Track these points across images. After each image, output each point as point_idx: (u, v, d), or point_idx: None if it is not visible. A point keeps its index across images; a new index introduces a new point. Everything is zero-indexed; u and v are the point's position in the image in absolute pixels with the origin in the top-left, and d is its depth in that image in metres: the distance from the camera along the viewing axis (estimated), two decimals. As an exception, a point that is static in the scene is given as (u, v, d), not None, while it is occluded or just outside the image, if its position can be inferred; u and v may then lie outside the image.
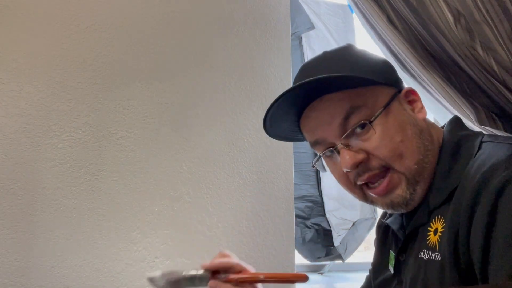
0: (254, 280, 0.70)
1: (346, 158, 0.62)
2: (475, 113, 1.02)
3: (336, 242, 1.50)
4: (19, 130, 1.08)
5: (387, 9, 1.08)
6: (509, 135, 1.03)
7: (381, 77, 0.65)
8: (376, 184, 0.63)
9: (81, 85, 1.14)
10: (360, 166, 0.62)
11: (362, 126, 0.62)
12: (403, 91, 0.67)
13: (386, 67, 0.69)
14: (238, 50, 1.30)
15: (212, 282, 0.69)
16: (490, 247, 0.49)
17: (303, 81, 0.61)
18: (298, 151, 1.46)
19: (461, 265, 0.53)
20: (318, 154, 0.70)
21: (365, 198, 0.67)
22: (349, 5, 1.69)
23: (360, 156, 0.62)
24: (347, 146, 0.63)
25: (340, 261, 1.52)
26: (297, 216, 1.47)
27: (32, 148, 1.08)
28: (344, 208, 1.58)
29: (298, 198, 1.52)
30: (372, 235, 1.63)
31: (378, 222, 0.84)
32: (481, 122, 1.02)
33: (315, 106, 0.65)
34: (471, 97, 1.06)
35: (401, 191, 0.62)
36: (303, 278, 0.68)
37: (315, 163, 0.71)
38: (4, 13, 1.11)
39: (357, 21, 1.47)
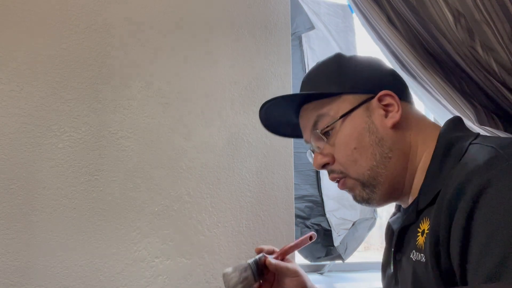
0: (289, 249, 0.84)
1: (314, 160, 0.72)
2: (475, 113, 1.02)
3: (336, 242, 1.50)
4: (19, 130, 1.08)
5: (387, 9, 1.08)
6: (509, 135, 1.03)
7: (348, 85, 0.70)
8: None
9: (81, 85, 1.14)
10: (326, 167, 0.71)
11: (326, 133, 0.70)
12: (376, 97, 0.69)
13: (364, 72, 0.72)
14: (238, 50, 1.30)
15: (268, 260, 0.80)
16: (468, 252, 0.50)
17: (279, 96, 0.74)
18: (298, 151, 1.46)
19: (442, 267, 0.54)
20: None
21: None
22: (349, 5, 1.69)
23: (325, 159, 0.71)
24: (318, 148, 0.72)
25: (340, 261, 1.52)
26: (297, 216, 1.47)
27: (32, 148, 1.08)
28: (344, 208, 1.57)
29: (298, 198, 1.52)
30: (372, 235, 1.63)
31: (387, 224, 0.85)
32: (481, 122, 1.02)
33: (300, 114, 0.76)
34: (471, 97, 1.06)
35: (358, 192, 0.70)
36: (314, 236, 0.87)
37: (309, 156, 0.81)
38: (4, 13, 1.11)
39: (357, 21, 1.47)
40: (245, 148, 1.26)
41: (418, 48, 1.07)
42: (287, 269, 0.80)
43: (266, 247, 0.84)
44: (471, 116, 1.03)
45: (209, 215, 1.19)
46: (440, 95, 1.07)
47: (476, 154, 0.56)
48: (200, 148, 1.21)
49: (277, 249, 0.85)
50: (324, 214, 1.55)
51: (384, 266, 0.80)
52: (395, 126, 0.68)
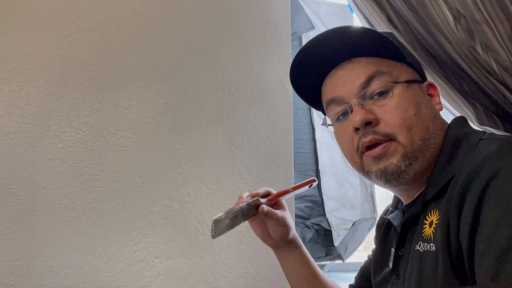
0: (285, 193, 0.83)
1: (357, 116, 0.65)
2: (475, 113, 1.02)
3: (336, 242, 1.50)
4: (19, 130, 1.08)
5: (387, 9, 1.08)
6: (509, 135, 1.03)
7: (411, 59, 0.71)
8: (374, 147, 0.65)
9: (81, 85, 1.14)
10: (368, 126, 0.65)
11: (381, 93, 0.66)
12: (426, 83, 0.72)
13: (416, 59, 0.75)
14: (238, 50, 1.30)
15: (261, 208, 0.78)
16: (476, 236, 0.50)
17: (346, 26, 0.68)
18: (298, 151, 1.46)
19: (453, 255, 0.54)
20: (326, 116, 0.74)
21: (362, 168, 0.68)
22: (349, 5, 1.69)
23: (371, 116, 0.65)
24: (362, 105, 0.66)
25: (340, 261, 1.52)
26: (297, 216, 1.47)
27: (32, 148, 1.08)
28: (344, 208, 1.58)
29: (298, 198, 1.52)
30: (372, 235, 1.63)
31: (378, 221, 0.84)
32: (481, 122, 1.02)
33: (343, 65, 0.69)
34: (471, 97, 1.06)
35: (395, 160, 0.64)
36: (314, 181, 0.85)
37: (325, 123, 0.75)
38: (4, 13, 1.11)
39: (357, 21, 1.47)
40: (245, 148, 1.26)
41: (418, 48, 1.07)
42: (277, 218, 0.80)
43: (262, 190, 0.83)
44: (471, 116, 1.03)
45: (209, 215, 1.19)
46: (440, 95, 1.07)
47: (487, 146, 0.57)
48: (200, 148, 1.21)
49: (274, 191, 0.84)
50: (324, 214, 1.55)
51: (378, 264, 0.79)
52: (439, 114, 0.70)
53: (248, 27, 1.33)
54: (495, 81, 0.99)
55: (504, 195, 0.49)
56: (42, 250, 1.05)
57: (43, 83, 1.11)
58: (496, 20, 0.93)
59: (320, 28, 1.64)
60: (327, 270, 1.56)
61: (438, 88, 0.73)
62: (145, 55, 1.21)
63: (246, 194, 0.81)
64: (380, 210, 1.62)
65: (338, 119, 0.71)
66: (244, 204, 0.76)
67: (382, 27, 1.09)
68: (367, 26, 1.16)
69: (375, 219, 1.59)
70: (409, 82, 0.67)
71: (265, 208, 0.78)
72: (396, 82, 0.66)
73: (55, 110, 1.11)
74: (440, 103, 0.71)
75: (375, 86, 0.66)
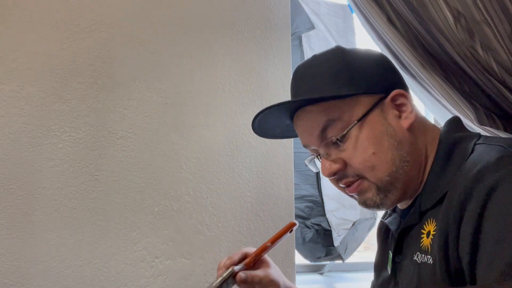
0: (264, 250, 0.78)
1: (324, 167, 0.67)
2: (475, 113, 1.02)
3: (336, 242, 1.50)
4: (19, 130, 1.08)
5: (387, 9, 1.08)
6: (509, 135, 1.03)
7: (363, 85, 0.65)
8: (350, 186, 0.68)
9: (81, 85, 1.14)
10: (337, 173, 0.67)
11: (341, 137, 0.65)
12: (390, 96, 0.66)
13: (375, 70, 0.68)
14: (238, 50, 1.30)
15: (239, 276, 0.74)
16: (478, 251, 0.49)
17: (279, 103, 0.67)
18: (298, 151, 1.46)
19: (451, 269, 0.53)
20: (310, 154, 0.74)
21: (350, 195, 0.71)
22: (349, 5, 1.69)
23: (337, 166, 0.66)
24: (327, 154, 0.67)
25: (340, 261, 1.52)
26: (297, 216, 1.47)
27: (32, 148, 1.08)
28: (344, 208, 1.57)
29: (298, 198, 1.52)
30: (372, 235, 1.63)
31: (379, 224, 0.84)
32: (481, 122, 1.02)
33: (299, 115, 0.69)
34: (471, 97, 1.06)
35: (371, 195, 0.66)
36: (294, 225, 0.80)
37: (308, 162, 0.75)
38: (4, 13, 1.11)
39: (357, 21, 1.47)
40: (245, 148, 1.26)
41: (418, 48, 1.07)
42: (259, 280, 0.76)
43: (238, 255, 0.77)
44: (471, 116, 1.03)
45: (209, 215, 1.19)
46: (440, 95, 1.07)
47: (484, 154, 0.55)
48: (200, 148, 1.21)
49: (252, 250, 0.79)
50: (324, 214, 1.55)
51: (379, 267, 0.79)
52: (410, 128, 0.65)
53: (248, 27, 1.33)
54: (495, 81, 0.99)
55: (505, 209, 0.47)
56: (42, 250, 1.05)
57: (43, 83, 1.11)
58: (496, 20, 0.93)
59: (320, 28, 1.63)
60: (327, 270, 1.56)
61: (408, 94, 0.67)
62: (145, 55, 1.21)
63: (223, 263, 0.77)
64: (380, 211, 1.62)
65: (318, 158, 0.72)
66: (218, 281, 0.72)
67: (382, 27, 1.09)
68: (367, 26, 1.16)
69: (375, 219, 1.59)
70: (364, 115, 0.64)
71: (243, 276, 0.74)
72: (349, 129, 0.64)
73: (55, 110, 1.11)
74: (411, 112, 0.66)
75: (331, 137, 0.65)
